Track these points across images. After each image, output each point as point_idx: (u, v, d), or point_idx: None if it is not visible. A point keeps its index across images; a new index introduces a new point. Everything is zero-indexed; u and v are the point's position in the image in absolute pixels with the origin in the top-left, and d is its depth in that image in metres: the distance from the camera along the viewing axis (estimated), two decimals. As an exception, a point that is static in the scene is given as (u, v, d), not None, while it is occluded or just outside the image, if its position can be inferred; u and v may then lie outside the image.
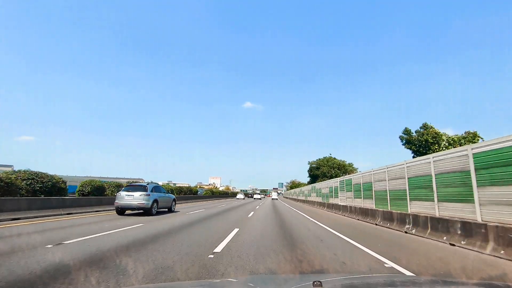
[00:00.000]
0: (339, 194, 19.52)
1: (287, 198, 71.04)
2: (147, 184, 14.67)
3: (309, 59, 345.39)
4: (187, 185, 56.45)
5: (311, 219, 14.03)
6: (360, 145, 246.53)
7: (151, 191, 13.78)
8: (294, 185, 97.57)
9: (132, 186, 14.03)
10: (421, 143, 35.62)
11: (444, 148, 33.38)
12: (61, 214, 12.45)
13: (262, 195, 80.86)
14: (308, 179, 68.24)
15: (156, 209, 13.88)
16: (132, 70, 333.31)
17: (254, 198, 61.28)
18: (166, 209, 15.92)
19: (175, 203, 17.49)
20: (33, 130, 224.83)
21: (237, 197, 60.42)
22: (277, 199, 62.59)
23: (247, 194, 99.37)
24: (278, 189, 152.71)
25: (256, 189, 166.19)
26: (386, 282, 1.82)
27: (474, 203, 6.64)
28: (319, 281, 1.22)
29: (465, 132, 35.84)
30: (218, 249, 5.66)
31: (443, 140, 34.76)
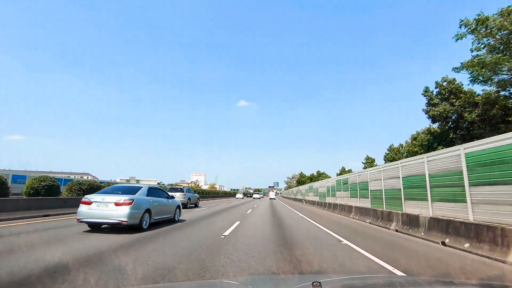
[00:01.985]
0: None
1: (285, 197, 71.89)
2: (183, 187, 20.31)
3: (305, 57, 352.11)
4: (154, 181, 54.09)
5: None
6: (357, 144, 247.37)
7: (186, 192, 19.35)
8: (302, 177, 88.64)
9: (174, 189, 19.77)
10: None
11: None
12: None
13: (261, 195, 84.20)
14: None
15: (190, 204, 19.37)
16: (124, 67, 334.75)
17: (254, 198, 64.19)
18: (193, 205, 21.32)
19: (199, 201, 22.98)
20: (24, 129, 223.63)
21: (237, 196, 62.93)
22: (275, 198, 63.75)
23: (245, 194, 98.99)
24: (275, 188, 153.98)
25: (250, 188, 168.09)
26: (385, 282, 1.82)
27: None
28: (318, 282, 1.22)
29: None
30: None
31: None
